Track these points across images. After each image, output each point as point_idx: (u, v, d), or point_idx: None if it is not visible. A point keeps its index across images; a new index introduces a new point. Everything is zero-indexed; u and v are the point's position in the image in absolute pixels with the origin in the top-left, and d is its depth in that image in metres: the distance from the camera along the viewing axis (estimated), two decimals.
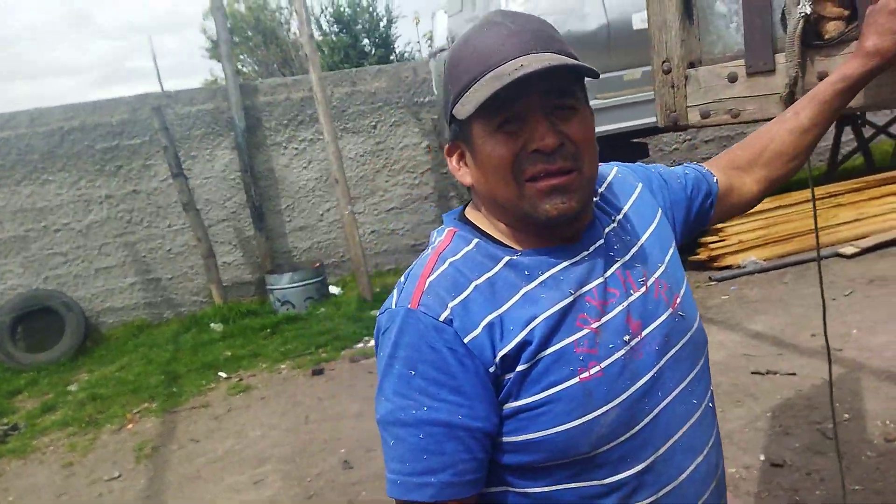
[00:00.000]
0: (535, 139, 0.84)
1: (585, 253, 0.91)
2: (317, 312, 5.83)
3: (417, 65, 7.27)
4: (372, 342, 5.07)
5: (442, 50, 6.25)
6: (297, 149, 6.75)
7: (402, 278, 0.92)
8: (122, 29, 33.95)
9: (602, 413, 0.84)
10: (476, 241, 0.91)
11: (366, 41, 13.77)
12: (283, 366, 4.81)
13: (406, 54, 14.21)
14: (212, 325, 5.81)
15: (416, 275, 0.89)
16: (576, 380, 0.84)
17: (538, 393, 0.84)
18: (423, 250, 0.97)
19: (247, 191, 6.45)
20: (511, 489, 0.88)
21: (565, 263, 0.89)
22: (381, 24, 13.83)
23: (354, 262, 6.00)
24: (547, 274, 0.88)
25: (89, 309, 6.21)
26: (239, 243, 6.67)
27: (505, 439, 0.86)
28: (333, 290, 6.44)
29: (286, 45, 15.44)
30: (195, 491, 3.25)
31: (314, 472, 3.24)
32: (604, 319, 0.87)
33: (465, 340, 0.83)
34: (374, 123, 6.97)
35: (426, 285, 0.87)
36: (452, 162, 0.94)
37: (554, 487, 0.87)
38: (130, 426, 4.19)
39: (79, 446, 4.00)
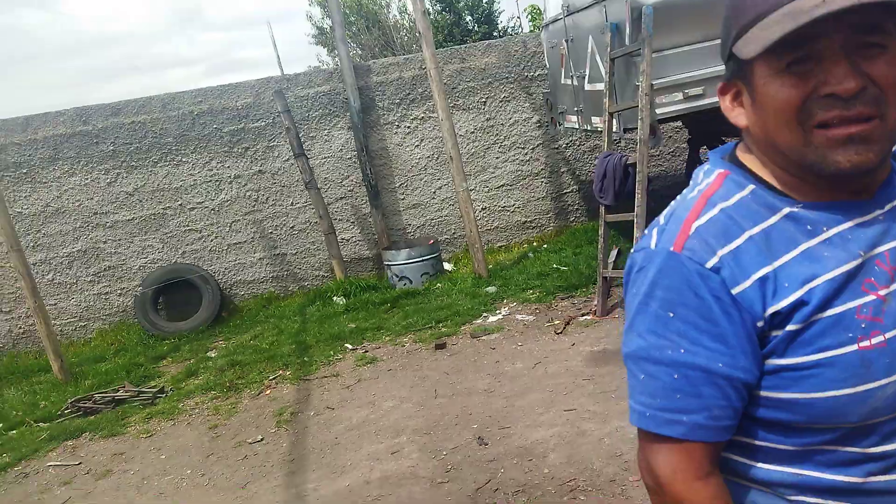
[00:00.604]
0: (832, 82, 0.74)
1: (879, 212, 0.82)
2: (433, 288, 5.88)
3: (527, 38, 7.10)
4: (491, 318, 5.05)
5: (555, 20, 6.04)
6: (409, 127, 6.81)
7: (662, 219, 0.88)
8: (228, 22, 35.75)
9: (879, 386, 0.78)
10: (752, 187, 0.85)
11: (469, 18, 13.68)
12: (405, 339, 4.89)
13: (510, 29, 14.00)
14: (335, 298, 6.00)
15: (681, 218, 0.85)
16: (854, 347, 0.78)
17: (808, 355, 0.79)
18: (686, 190, 0.90)
19: (363, 169, 6.59)
20: (760, 442, 0.85)
21: (855, 221, 0.81)
22: (484, 1, 13.69)
23: (470, 239, 5.99)
24: (833, 231, 0.81)
25: (223, 282, 6.60)
26: (356, 220, 6.85)
27: (763, 394, 0.82)
28: (447, 266, 6.48)
29: (387, 28, 15.64)
30: (336, 458, 3.37)
31: (450, 446, 3.27)
32: (893, 287, 0.80)
33: (734, 292, 0.79)
34: (483, 100, 6.90)
35: (692, 230, 0.82)
36: (726, 101, 0.87)
37: (808, 448, 0.82)
38: (268, 392, 4.41)
39: (222, 410, 4.25)
